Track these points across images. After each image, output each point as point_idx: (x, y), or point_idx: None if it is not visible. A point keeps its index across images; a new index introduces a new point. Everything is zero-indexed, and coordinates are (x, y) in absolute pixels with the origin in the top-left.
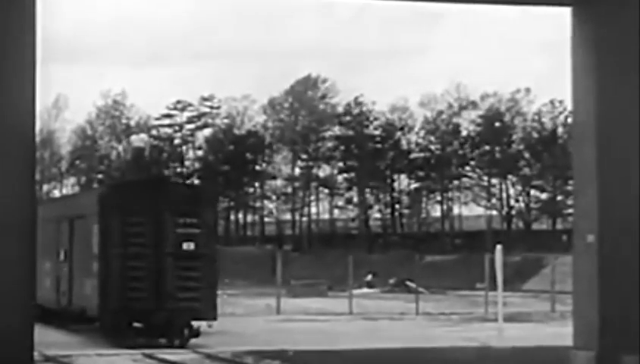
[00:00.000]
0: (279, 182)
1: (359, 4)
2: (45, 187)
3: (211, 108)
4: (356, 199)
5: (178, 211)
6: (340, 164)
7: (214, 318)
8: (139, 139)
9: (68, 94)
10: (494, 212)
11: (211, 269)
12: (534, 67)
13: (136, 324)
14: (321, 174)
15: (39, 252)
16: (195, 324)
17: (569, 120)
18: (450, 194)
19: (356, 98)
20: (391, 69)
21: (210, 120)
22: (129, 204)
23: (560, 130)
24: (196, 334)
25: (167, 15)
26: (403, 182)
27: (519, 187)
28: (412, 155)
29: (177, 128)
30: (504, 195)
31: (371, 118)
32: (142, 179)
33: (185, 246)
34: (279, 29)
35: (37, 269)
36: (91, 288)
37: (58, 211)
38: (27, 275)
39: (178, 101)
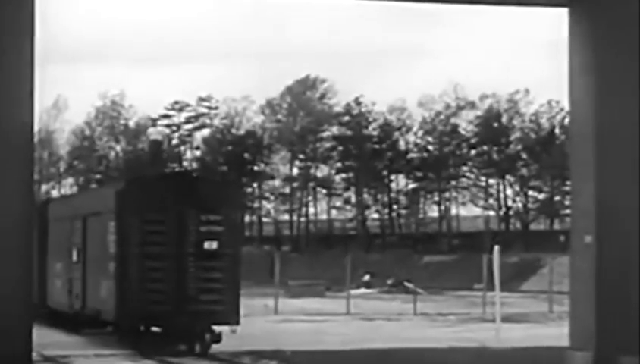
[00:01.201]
0: (277, 182)
1: (358, 4)
2: (44, 187)
3: (209, 108)
4: (353, 200)
5: (201, 207)
6: (338, 164)
7: (237, 323)
8: (156, 132)
9: (68, 95)
10: (492, 213)
11: (235, 270)
12: (533, 67)
13: (154, 329)
14: (319, 174)
15: (49, 253)
16: (217, 328)
17: (567, 120)
18: (447, 194)
19: (357, 99)
20: (390, 69)
21: (208, 121)
22: (148, 200)
23: (558, 130)
24: (218, 339)
25: (165, 16)
26: (400, 182)
27: (517, 188)
28: (410, 156)
29: (174, 128)
30: (502, 195)
31: (370, 119)
32: (162, 173)
33: (207, 245)
34: (278, 29)
35: (48, 270)
36: (107, 290)
37: (70, 209)
38: (26, 275)
39: (176, 102)
